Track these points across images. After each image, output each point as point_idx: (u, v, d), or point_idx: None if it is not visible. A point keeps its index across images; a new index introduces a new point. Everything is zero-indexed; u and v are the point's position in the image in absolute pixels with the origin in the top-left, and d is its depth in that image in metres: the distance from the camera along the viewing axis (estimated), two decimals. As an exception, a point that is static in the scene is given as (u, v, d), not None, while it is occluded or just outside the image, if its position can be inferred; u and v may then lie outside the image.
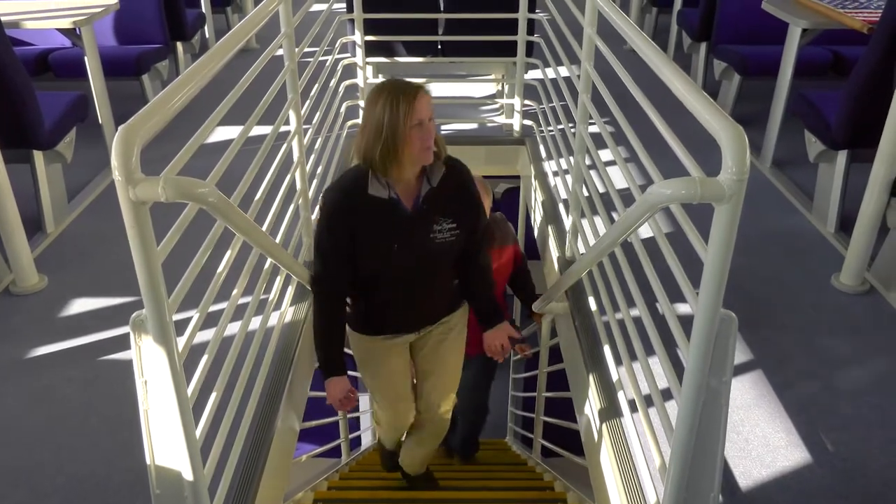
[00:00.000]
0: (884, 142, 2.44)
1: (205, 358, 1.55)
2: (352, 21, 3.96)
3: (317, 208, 2.10)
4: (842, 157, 2.99)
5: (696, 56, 4.92)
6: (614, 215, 2.44)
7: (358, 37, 3.96)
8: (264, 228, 2.07)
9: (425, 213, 1.96)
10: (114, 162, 1.06)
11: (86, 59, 3.63)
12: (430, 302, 2.21)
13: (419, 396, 2.50)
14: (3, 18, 2.89)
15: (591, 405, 2.19)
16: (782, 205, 3.35)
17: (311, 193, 2.76)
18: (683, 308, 1.33)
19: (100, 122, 3.78)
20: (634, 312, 1.76)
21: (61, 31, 3.65)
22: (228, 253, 1.75)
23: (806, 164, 3.26)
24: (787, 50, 3.57)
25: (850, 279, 2.66)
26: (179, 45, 5.05)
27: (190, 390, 1.38)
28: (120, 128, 1.07)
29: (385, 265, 2.00)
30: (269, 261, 2.06)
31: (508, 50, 3.99)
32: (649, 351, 1.64)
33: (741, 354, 2.33)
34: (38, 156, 3.01)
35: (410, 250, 1.97)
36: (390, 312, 2.18)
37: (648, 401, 1.79)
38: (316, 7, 3.33)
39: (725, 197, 1.08)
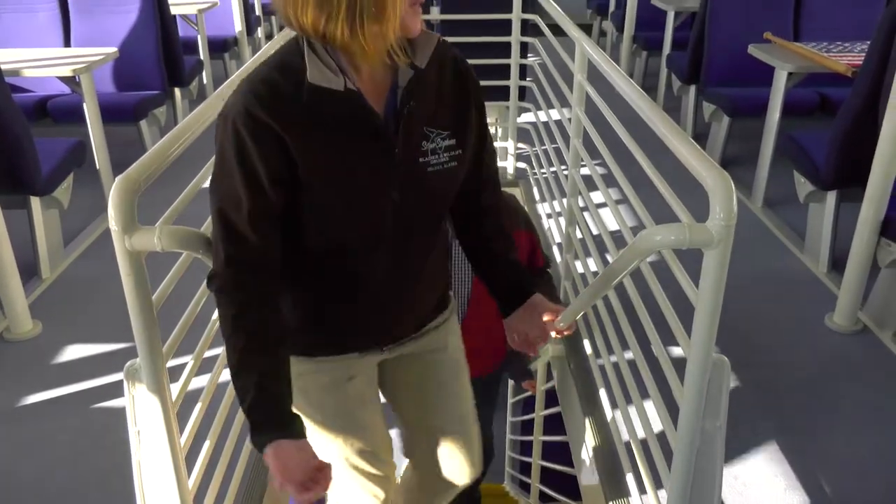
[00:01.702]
0: (871, 183, 2.48)
1: (198, 406, 1.55)
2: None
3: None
4: (831, 197, 3.03)
5: (686, 98, 5.00)
6: (607, 257, 2.46)
7: (353, 82, 4.02)
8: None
9: (408, 121, 1.13)
10: (110, 212, 1.07)
11: (84, 105, 3.68)
12: (420, 290, 1.33)
13: (419, 463, 1.58)
14: (4, 67, 2.93)
15: (588, 449, 2.18)
16: (774, 245, 3.37)
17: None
18: (678, 351, 1.33)
19: (97, 167, 3.81)
20: (629, 355, 1.76)
21: (60, 78, 3.70)
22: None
23: (797, 203, 3.30)
24: (773, 93, 3.64)
25: (843, 319, 2.67)
26: (177, 92, 5.11)
27: (183, 440, 1.37)
28: (117, 178, 1.09)
29: (342, 223, 1.15)
30: (263, 306, 2.06)
31: (501, 94, 4.07)
32: (644, 395, 1.64)
33: (736, 396, 2.32)
34: (34, 202, 3.03)
35: (386, 190, 1.14)
36: (352, 313, 1.29)
37: (644, 445, 1.78)
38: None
39: (714, 242, 1.10)
